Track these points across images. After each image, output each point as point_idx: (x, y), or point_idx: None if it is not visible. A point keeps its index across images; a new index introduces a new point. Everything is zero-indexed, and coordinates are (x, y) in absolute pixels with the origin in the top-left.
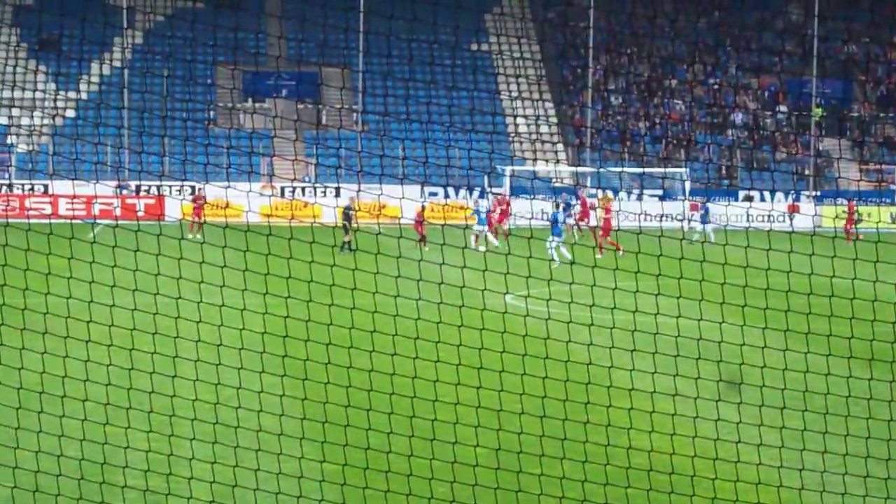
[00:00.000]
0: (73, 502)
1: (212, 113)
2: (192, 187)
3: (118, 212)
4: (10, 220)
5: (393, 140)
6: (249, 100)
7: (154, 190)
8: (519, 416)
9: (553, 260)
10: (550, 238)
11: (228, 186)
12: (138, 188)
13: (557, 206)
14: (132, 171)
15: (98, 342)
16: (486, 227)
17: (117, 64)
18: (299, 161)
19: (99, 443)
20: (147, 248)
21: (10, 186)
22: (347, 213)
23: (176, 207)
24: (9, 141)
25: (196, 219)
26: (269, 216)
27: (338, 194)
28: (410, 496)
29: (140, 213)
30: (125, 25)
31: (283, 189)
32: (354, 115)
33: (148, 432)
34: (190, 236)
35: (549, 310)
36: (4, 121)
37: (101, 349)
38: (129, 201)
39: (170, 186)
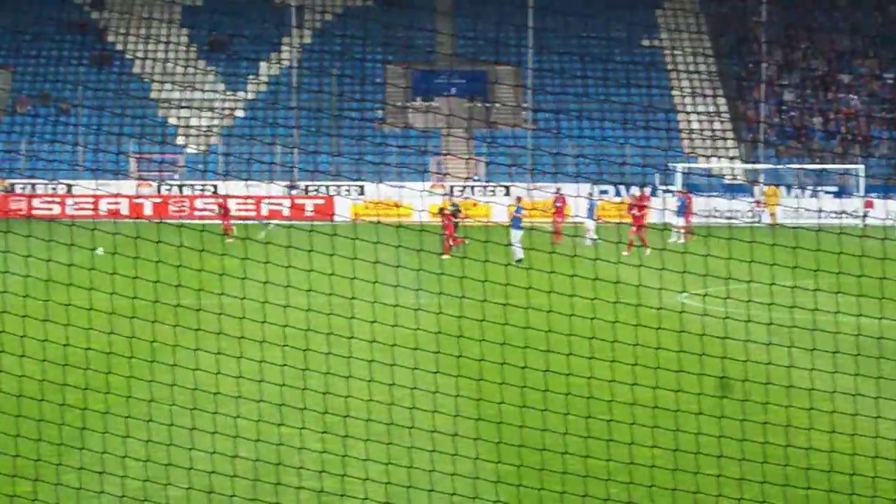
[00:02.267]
0: (227, 499)
1: (381, 112)
2: (361, 187)
3: (287, 212)
4: (184, 221)
5: (562, 137)
6: (419, 98)
7: (323, 190)
8: (696, 417)
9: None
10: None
11: (403, 186)
12: (307, 188)
13: (518, 200)
14: (302, 171)
15: (272, 343)
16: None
17: (286, 64)
18: (469, 160)
19: (273, 444)
20: (321, 248)
21: (180, 187)
22: (453, 212)
23: (346, 207)
24: (179, 142)
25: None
26: (439, 215)
27: (508, 193)
28: (586, 497)
29: (309, 213)
30: (294, 25)
31: (452, 188)
32: (524, 112)
33: (322, 433)
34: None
35: (727, 309)
36: (174, 122)
37: (275, 350)
38: (298, 201)
39: (339, 186)
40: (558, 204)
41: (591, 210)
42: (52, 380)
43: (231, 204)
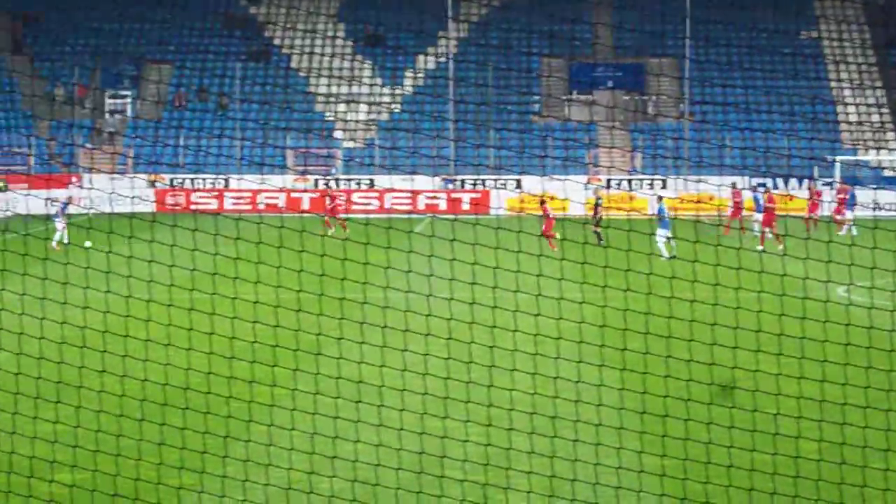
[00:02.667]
0: (412, 496)
1: (538, 105)
2: (517, 180)
3: (443, 205)
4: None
5: (719, 129)
6: (576, 91)
7: (480, 183)
8: (864, 410)
9: (661, 255)
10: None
11: (566, 179)
12: (464, 182)
13: (660, 200)
14: (458, 165)
15: (437, 335)
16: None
17: (442, 59)
18: (625, 152)
19: (438, 436)
20: (465, 240)
21: (337, 182)
22: (597, 205)
23: (501, 200)
24: (336, 136)
25: (328, 215)
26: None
27: (664, 185)
28: (752, 491)
29: (465, 207)
30: (452, 17)
31: (609, 181)
32: (681, 105)
33: (487, 426)
34: (331, 232)
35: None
36: (331, 116)
37: (439, 343)
38: (454, 195)
39: (496, 179)
40: (736, 199)
41: (758, 203)
42: (218, 372)
43: (387, 198)
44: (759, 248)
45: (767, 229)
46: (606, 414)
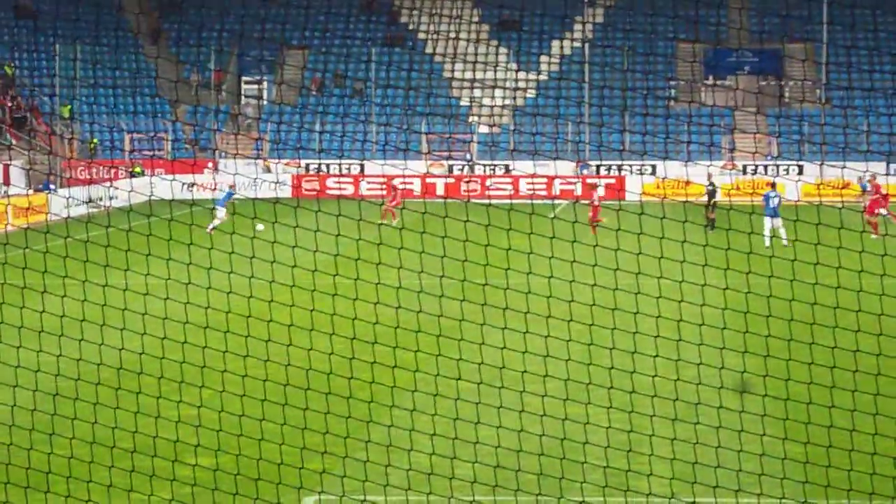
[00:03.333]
0: (534, 478)
1: (672, 90)
2: (653, 166)
3: (579, 191)
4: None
5: (858, 115)
6: (710, 76)
7: (615, 169)
8: None
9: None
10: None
11: (711, 164)
12: (598, 167)
13: (773, 186)
14: (593, 150)
15: (559, 318)
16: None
17: (577, 44)
18: (762, 138)
19: (579, 422)
20: (624, 227)
21: (471, 167)
22: (711, 191)
23: (638, 185)
24: (470, 121)
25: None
26: (729, 194)
27: (801, 171)
28: (875, 475)
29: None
30: (586, 2)
31: (745, 167)
32: (818, 90)
33: (629, 412)
34: (385, 222)
35: None
36: (466, 102)
37: (561, 326)
38: (589, 181)
39: (630, 164)
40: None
41: (865, 190)
42: (361, 357)
43: (521, 184)
44: (874, 235)
45: (868, 216)
46: (749, 401)
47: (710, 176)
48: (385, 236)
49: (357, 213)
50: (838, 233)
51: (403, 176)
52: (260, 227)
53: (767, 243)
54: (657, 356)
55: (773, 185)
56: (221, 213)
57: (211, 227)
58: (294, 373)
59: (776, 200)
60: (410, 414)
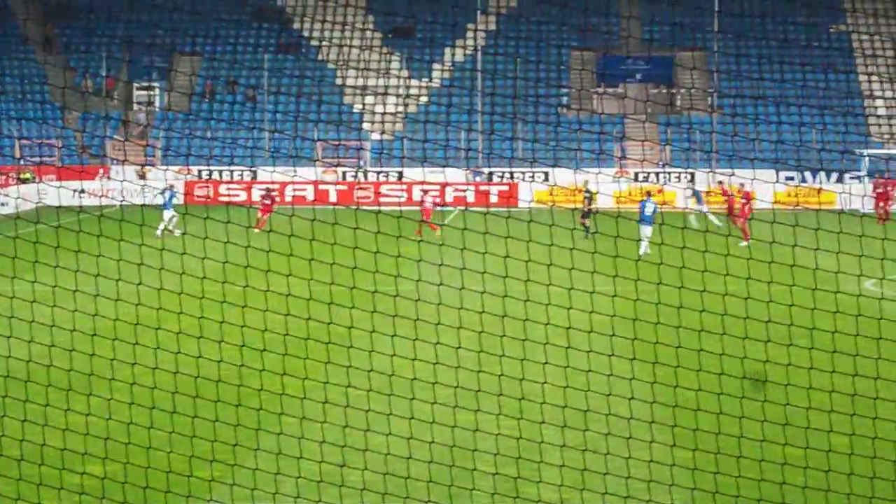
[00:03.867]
0: (424, 485)
1: (566, 98)
2: (545, 174)
3: (472, 198)
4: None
5: (748, 123)
6: (602, 84)
7: (507, 176)
8: (874, 402)
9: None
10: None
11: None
12: (491, 174)
13: (649, 194)
14: (486, 157)
15: (448, 325)
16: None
17: (470, 51)
18: (653, 145)
19: (469, 429)
20: (497, 232)
21: (364, 174)
22: (588, 198)
23: (530, 193)
24: (363, 128)
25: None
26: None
27: (692, 179)
28: (784, 485)
29: (493, 200)
30: (480, 10)
31: (636, 174)
32: (709, 97)
33: (518, 419)
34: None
35: None
36: (359, 108)
37: (451, 333)
38: (482, 188)
39: (523, 172)
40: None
41: (699, 198)
42: (250, 365)
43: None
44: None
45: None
46: (638, 407)
47: (586, 183)
48: (274, 243)
49: (247, 220)
50: (726, 240)
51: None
52: (178, 232)
53: (642, 251)
54: (546, 363)
55: (650, 194)
56: (168, 215)
57: (159, 230)
58: (183, 380)
59: (651, 208)
60: (300, 422)
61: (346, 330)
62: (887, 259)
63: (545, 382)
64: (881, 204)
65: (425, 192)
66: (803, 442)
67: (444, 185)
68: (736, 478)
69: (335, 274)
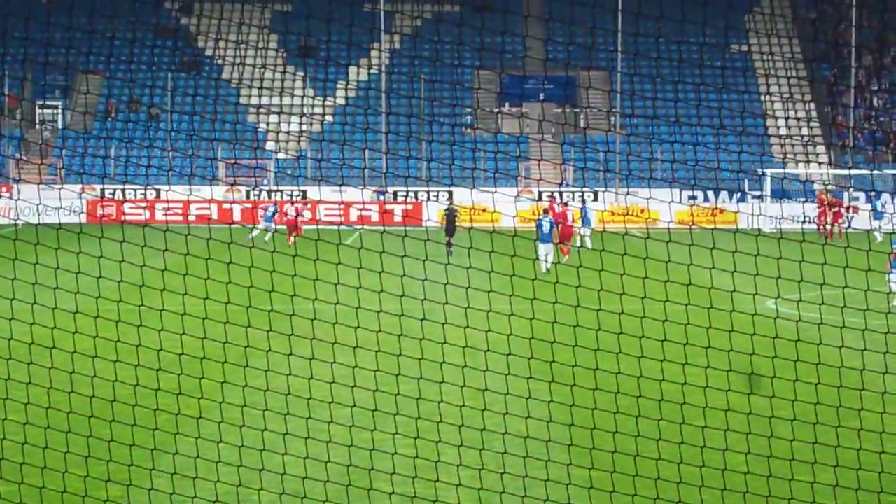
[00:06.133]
0: None
1: (470, 117)
2: (450, 192)
3: (377, 217)
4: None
5: (650, 142)
6: (505, 104)
7: (412, 195)
8: (791, 423)
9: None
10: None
11: (496, 192)
12: (396, 193)
13: (546, 212)
14: (391, 176)
15: (345, 345)
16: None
17: (375, 70)
18: (555, 165)
19: (366, 448)
20: (396, 252)
21: (269, 193)
22: (450, 215)
23: (435, 212)
24: (268, 147)
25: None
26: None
27: (596, 198)
28: (658, 500)
29: (398, 219)
30: (384, 30)
31: (541, 193)
32: (614, 117)
33: (415, 438)
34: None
35: (822, 315)
36: (264, 127)
37: (368, 355)
38: (388, 207)
39: (428, 191)
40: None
41: (586, 216)
42: (146, 385)
43: (320, 209)
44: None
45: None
46: (535, 426)
47: (451, 202)
48: (171, 263)
49: (142, 240)
50: (621, 259)
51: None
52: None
53: (544, 269)
54: (443, 382)
55: (546, 212)
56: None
57: (264, 235)
58: (78, 400)
59: (548, 226)
60: (196, 441)
61: (242, 349)
62: (783, 278)
63: (442, 401)
64: (825, 220)
65: (291, 202)
66: (699, 461)
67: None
68: (632, 496)
69: (231, 293)
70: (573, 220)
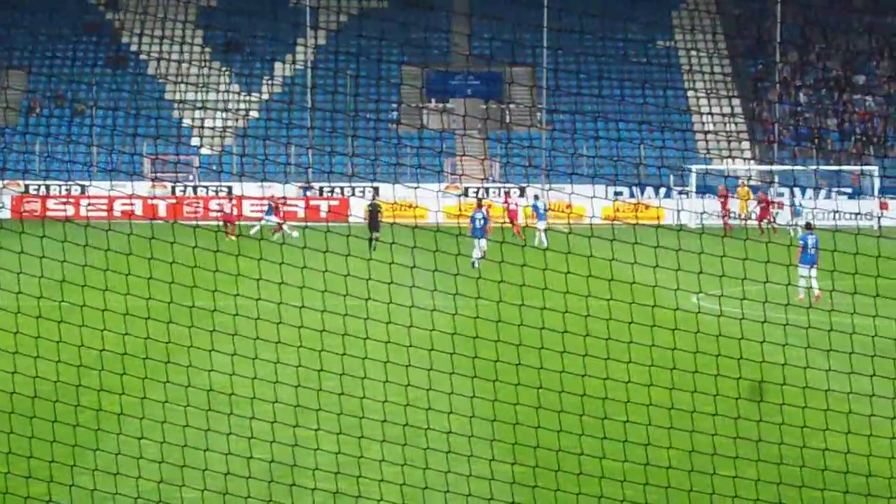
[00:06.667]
0: (242, 501)
1: (394, 113)
2: (376, 188)
3: (302, 213)
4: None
5: (578, 139)
6: (434, 100)
7: (338, 191)
8: (713, 418)
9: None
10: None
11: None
12: (322, 189)
13: (479, 208)
14: (317, 172)
15: (267, 340)
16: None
17: (301, 65)
18: (484, 161)
19: (288, 445)
20: (319, 248)
21: (194, 189)
22: (373, 211)
23: (361, 208)
24: (193, 143)
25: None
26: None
27: (523, 194)
28: (602, 498)
29: (324, 215)
30: (310, 25)
31: (467, 189)
32: (539, 113)
33: (338, 434)
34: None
35: (743, 310)
36: (189, 123)
37: (290, 351)
38: (313, 202)
39: (354, 187)
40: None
41: (539, 211)
42: (67, 381)
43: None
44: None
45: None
46: (457, 422)
47: (374, 198)
48: (93, 259)
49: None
50: (544, 254)
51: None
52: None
53: (476, 265)
54: (365, 378)
55: (480, 206)
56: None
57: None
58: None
59: (482, 221)
60: (117, 438)
61: (164, 345)
62: (704, 273)
63: (364, 397)
64: (765, 217)
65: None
66: (621, 455)
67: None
68: (554, 491)
69: (153, 289)
70: (525, 218)
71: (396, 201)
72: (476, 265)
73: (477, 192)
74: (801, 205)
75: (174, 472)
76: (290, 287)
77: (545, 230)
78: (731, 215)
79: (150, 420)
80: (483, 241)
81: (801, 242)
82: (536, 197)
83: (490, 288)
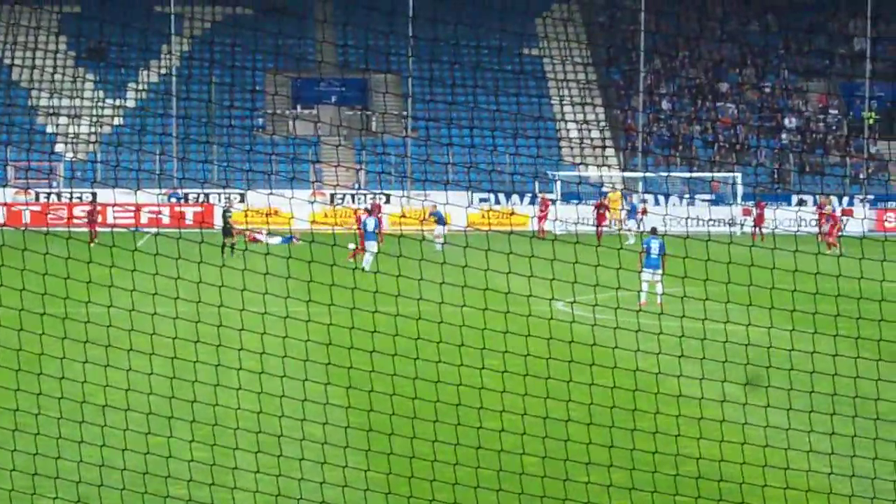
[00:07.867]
0: None
1: (260, 120)
2: (242, 195)
3: (167, 220)
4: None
5: (442, 146)
6: (297, 106)
7: (202, 198)
8: (566, 424)
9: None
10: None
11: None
12: (187, 196)
13: (369, 212)
14: (180, 179)
15: (140, 351)
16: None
17: (164, 71)
18: (348, 168)
19: (141, 453)
20: (189, 257)
21: (57, 195)
22: (226, 217)
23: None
24: (56, 149)
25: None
26: (315, 223)
27: (387, 200)
28: None
29: (188, 222)
30: (172, 33)
31: (332, 196)
32: (403, 120)
33: (191, 442)
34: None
35: (595, 315)
36: (52, 129)
37: (143, 358)
38: (177, 209)
39: (218, 194)
40: (758, 211)
41: (439, 217)
42: None
43: (109, 212)
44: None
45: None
46: (332, 432)
47: (228, 203)
48: None
49: None
50: (418, 264)
51: None
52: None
53: (367, 266)
54: (239, 388)
55: (369, 211)
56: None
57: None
58: None
59: (372, 225)
60: None
61: (36, 356)
62: (579, 283)
63: (239, 408)
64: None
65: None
66: (496, 465)
67: (139, 208)
68: (430, 501)
69: (24, 299)
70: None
71: (252, 208)
72: (366, 267)
73: (343, 199)
74: (634, 207)
75: (46, 483)
76: (142, 294)
77: (442, 236)
78: (606, 224)
79: (20, 431)
80: (373, 244)
81: (644, 247)
82: (434, 205)
83: (365, 297)
